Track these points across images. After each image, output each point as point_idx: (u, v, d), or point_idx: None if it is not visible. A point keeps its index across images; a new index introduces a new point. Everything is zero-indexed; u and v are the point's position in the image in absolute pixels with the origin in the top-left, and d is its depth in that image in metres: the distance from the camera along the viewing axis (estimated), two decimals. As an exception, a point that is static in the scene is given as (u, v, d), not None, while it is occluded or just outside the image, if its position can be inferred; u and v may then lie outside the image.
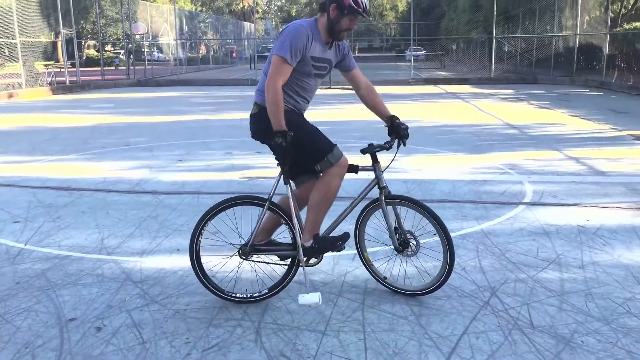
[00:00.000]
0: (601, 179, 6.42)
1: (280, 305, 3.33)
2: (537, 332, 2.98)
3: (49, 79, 21.58)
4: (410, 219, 3.39)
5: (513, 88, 20.58)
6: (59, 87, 21.02)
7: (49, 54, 26.17)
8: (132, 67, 27.05)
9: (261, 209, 3.29)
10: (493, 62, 25.24)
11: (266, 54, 37.94)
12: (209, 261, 3.47)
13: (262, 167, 7.05)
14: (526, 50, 28.03)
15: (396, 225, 3.35)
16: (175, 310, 3.28)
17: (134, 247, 4.34)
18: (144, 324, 3.12)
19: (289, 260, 3.38)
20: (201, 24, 43.87)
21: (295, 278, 3.41)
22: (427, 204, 3.34)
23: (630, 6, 26.51)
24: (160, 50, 38.49)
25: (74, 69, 23.31)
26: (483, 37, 31.02)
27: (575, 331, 2.98)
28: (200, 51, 44.04)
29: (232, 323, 3.12)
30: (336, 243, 3.32)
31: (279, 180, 3.24)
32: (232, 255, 3.47)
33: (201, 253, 3.33)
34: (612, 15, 22.84)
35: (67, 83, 21.89)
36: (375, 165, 3.31)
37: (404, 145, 3.39)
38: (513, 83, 23.09)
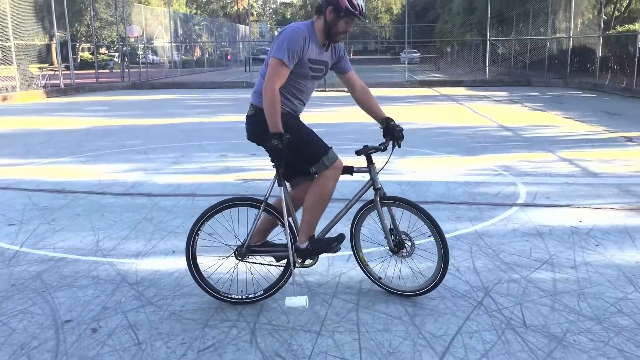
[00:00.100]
0: (594, 180, 6.46)
1: (276, 306, 3.35)
2: (530, 331, 3.01)
3: (43, 82, 21.55)
4: (405, 220, 3.42)
5: (507, 90, 20.68)
6: (53, 90, 20.98)
7: (43, 56, 26.13)
8: (126, 70, 27.03)
9: (257, 210, 3.31)
10: (487, 64, 25.37)
11: (261, 56, 38.06)
12: (205, 262, 3.49)
13: (257, 170, 7.07)
14: (520, 53, 28.17)
15: (391, 226, 3.37)
16: (170, 311, 3.29)
17: (129, 249, 4.35)
18: (140, 325, 3.13)
19: (285, 261, 3.40)
20: (196, 27, 43.87)
21: (292, 279, 3.43)
22: (421, 206, 3.37)
23: (623, 9, 26.69)
24: (154, 52, 38.49)
25: (68, 72, 23.26)
26: (477, 39, 31.15)
27: (567, 330, 3.01)
28: (195, 54, 44.02)
29: (227, 324, 3.14)
30: (331, 244, 3.34)
31: (274, 181, 3.26)
32: (228, 257, 3.49)
33: (197, 254, 3.34)
34: (605, 17, 23.01)
35: (62, 86, 21.86)
36: (370, 167, 3.33)
37: (399, 146, 3.41)
38: (507, 85, 23.20)
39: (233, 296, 3.37)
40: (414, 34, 38.09)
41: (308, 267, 3.42)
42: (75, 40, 36.82)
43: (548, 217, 5.02)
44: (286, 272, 3.36)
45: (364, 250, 3.63)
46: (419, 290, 3.40)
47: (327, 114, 13.44)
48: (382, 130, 3.44)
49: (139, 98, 19.36)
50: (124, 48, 29.09)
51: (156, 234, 4.69)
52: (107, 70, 36.63)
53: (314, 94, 3.56)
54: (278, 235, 3.67)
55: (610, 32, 22.58)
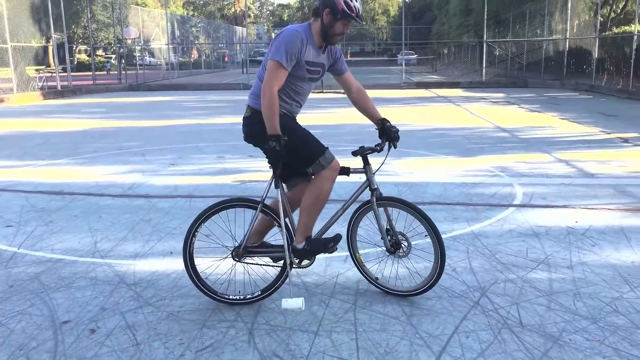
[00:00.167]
0: (590, 181, 6.49)
1: (273, 306, 3.36)
2: (526, 330, 3.02)
3: (40, 84, 21.51)
4: (402, 221, 3.44)
5: (504, 91, 20.73)
6: (50, 92, 20.96)
7: (40, 58, 26.07)
8: (123, 72, 27.03)
9: (254, 211, 3.32)
10: (484, 66, 25.44)
11: (258, 58, 38.07)
12: (202, 263, 3.50)
13: (254, 171, 7.08)
14: (517, 54, 28.24)
15: (388, 226, 3.39)
16: (168, 312, 3.30)
17: (127, 251, 4.35)
18: (138, 325, 3.14)
19: (282, 262, 3.41)
20: (193, 29, 43.89)
21: (288, 280, 3.44)
22: (418, 206, 3.38)
23: (619, 10, 26.79)
24: (152, 54, 38.47)
25: (65, 74, 23.25)
26: (474, 41, 31.24)
27: (563, 330, 3.03)
28: (192, 56, 44.04)
29: (225, 324, 3.15)
30: (328, 245, 3.35)
31: (271, 182, 3.27)
32: (226, 257, 3.50)
33: (195, 255, 3.35)
34: (602, 19, 23.09)
35: (59, 88, 21.83)
36: (366, 168, 3.35)
37: (395, 147, 3.43)
38: (504, 87, 23.26)
39: (231, 297, 3.38)
40: (411, 36, 38.17)
41: (305, 267, 3.43)
42: (72, 42, 36.82)
43: (544, 218, 5.05)
44: (283, 273, 3.38)
45: (361, 251, 3.65)
46: (415, 290, 3.41)
47: (324, 115, 13.46)
48: (377, 131, 3.46)
49: (136, 100, 19.36)
50: (121, 50, 29.09)
51: (154, 235, 4.70)
52: (104, 72, 36.60)
53: (311, 95, 3.57)
54: (275, 236, 3.69)
55: (607, 33, 22.66)
